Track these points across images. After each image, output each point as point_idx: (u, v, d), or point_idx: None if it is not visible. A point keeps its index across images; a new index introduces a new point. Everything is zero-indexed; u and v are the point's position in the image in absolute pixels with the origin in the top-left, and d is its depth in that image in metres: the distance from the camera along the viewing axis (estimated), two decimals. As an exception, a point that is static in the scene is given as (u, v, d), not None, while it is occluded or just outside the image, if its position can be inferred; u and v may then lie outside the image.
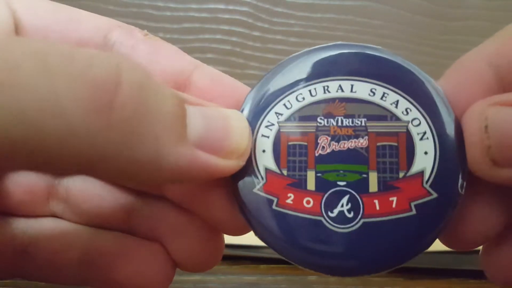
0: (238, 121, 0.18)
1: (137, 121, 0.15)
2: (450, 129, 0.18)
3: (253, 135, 0.19)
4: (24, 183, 0.22)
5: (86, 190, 0.21)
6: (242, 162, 0.18)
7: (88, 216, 0.22)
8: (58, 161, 0.14)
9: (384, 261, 0.18)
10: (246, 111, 0.19)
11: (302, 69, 0.19)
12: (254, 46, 0.47)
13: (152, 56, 0.20)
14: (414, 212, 0.17)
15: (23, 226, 0.21)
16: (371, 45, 0.19)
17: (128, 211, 0.21)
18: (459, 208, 0.18)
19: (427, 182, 0.18)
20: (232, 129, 0.18)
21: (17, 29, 0.19)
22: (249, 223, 0.19)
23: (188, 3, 0.47)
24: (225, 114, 0.18)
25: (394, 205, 0.18)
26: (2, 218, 0.21)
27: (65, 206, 0.22)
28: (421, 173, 0.18)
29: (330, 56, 0.19)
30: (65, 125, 0.13)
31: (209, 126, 0.17)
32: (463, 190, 0.18)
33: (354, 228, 0.18)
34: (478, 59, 0.19)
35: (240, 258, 0.33)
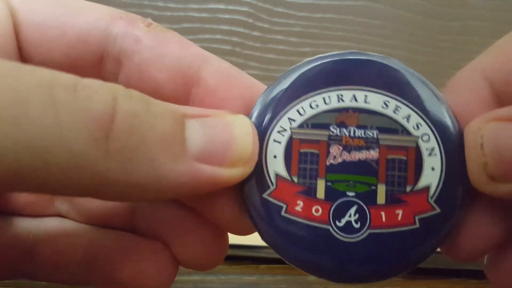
0: (242, 128, 0.18)
1: (132, 148, 0.15)
2: (457, 146, 0.18)
3: (264, 140, 0.18)
4: None
5: None
6: (248, 169, 0.18)
7: (92, 215, 0.22)
8: (61, 188, 0.15)
9: (386, 270, 0.18)
10: (257, 115, 0.19)
11: (316, 75, 0.19)
12: (254, 46, 0.47)
13: (157, 49, 0.20)
14: (417, 225, 0.18)
15: (28, 226, 0.21)
16: (386, 56, 0.19)
17: (131, 210, 0.21)
18: (460, 222, 0.18)
19: (432, 197, 0.18)
20: (235, 137, 0.17)
21: (15, 26, 0.19)
22: (257, 227, 0.19)
23: (188, 3, 0.47)
24: (228, 122, 0.18)
25: (399, 218, 0.18)
26: (7, 218, 0.22)
27: (69, 205, 0.22)
28: (427, 188, 0.18)
29: (345, 64, 0.19)
30: (68, 155, 0.14)
31: (210, 138, 0.17)
32: (465, 205, 0.18)
33: (360, 238, 0.18)
34: (474, 74, 0.19)
35: (240, 258, 0.33)
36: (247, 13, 0.47)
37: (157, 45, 0.20)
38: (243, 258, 0.33)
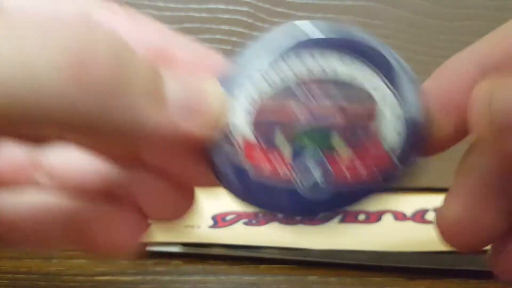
0: (214, 87, 0.19)
1: (113, 88, 0.15)
2: (419, 111, 0.19)
3: (231, 106, 0.19)
4: (8, 156, 0.22)
5: (69, 165, 0.22)
6: (219, 128, 0.18)
7: (71, 189, 0.22)
8: (34, 126, 0.14)
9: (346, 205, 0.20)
10: (224, 82, 0.19)
11: (283, 43, 0.20)
12: (254, 46, 0.47)
13: (133, 33, 0.20)
14: (379, 178, 0.19)
15: (7, 197, 0.22)
16: (353, 26, 0.20)
17: (109, 183, 0.22)
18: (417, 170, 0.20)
19: (394, 156, 0.19)
20: (209, 94, 0.18)
21: None
22: (227, 190, 0.20)
23: (188, 3, 0.47)
24: (201, 80, 0.18)
25: (362, 172, 0.19)
26: None
27: (48, 179, 0.22)
28: (390, 150, 0.19)
29: (311, 33, 0.20)
30: (38, 91, 0.13)
31: (186, 92, 0.17)
32: (421, 162, 0.20)
33: (326, 195, 0.19)
34: (466, 60, 0.20)
35: (240, 258, 0.33)
36: (247, 13, 0.47)
37: (132, 30, 0.20)
38: (243, 258, 0.33)
